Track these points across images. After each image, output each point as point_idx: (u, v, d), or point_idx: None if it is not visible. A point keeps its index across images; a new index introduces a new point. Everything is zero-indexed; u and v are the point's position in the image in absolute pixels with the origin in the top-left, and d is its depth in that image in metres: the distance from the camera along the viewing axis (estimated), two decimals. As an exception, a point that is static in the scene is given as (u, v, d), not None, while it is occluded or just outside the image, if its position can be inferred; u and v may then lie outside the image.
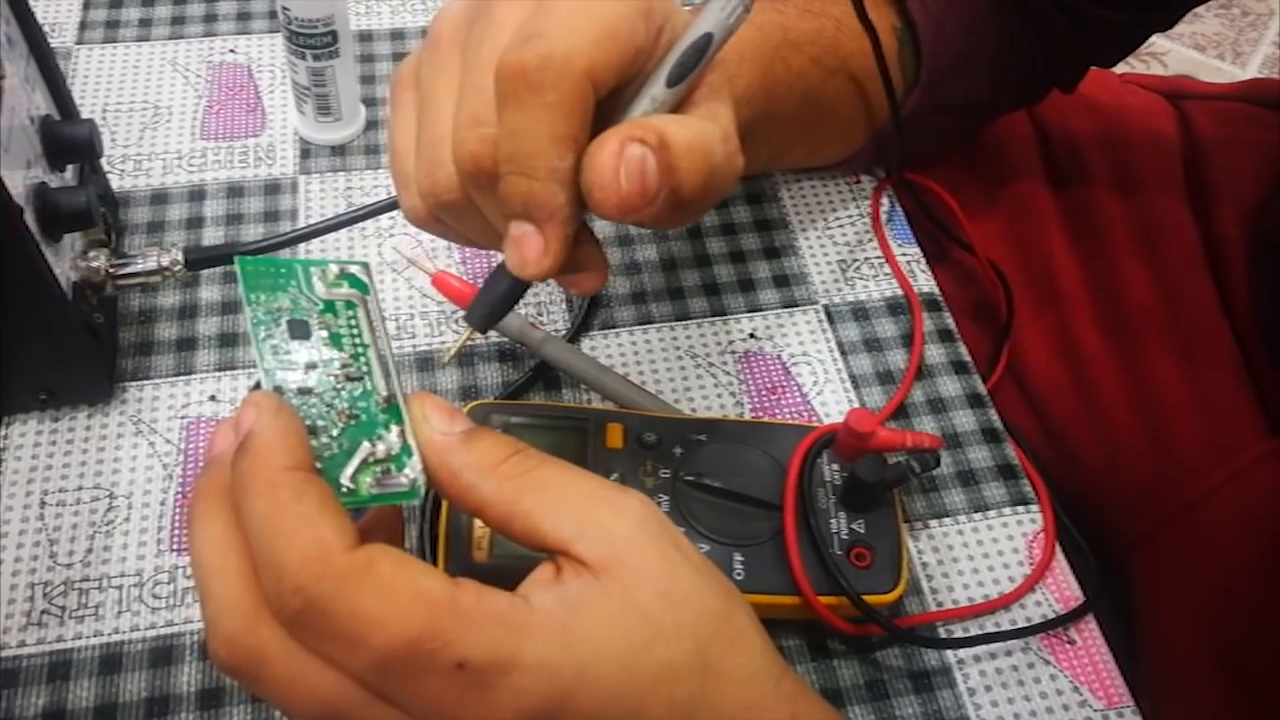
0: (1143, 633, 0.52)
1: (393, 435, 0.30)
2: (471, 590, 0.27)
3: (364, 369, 0.31)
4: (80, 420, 0.46)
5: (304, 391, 0.30)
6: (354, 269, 0.33)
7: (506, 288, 0.33)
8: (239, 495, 0.27)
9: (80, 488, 0.44)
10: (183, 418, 0.46)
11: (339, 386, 0.30)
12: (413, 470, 0.30)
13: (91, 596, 0.41)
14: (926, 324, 0.52)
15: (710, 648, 0.29)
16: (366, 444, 0.30)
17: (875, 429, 0.42)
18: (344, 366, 0.31)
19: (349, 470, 0.29)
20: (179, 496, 0.44)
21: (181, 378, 0.47)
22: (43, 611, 0.40)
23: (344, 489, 0.29)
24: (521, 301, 0.35)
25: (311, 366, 0.30)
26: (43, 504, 0.43)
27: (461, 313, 0.50)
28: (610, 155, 0.29)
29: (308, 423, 0.29)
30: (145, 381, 0.47)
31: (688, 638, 0.28)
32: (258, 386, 0.30)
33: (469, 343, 0.49)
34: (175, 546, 0.42)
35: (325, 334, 0.31)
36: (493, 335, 0.50)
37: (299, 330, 0.31)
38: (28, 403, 0.45)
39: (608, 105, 0.30)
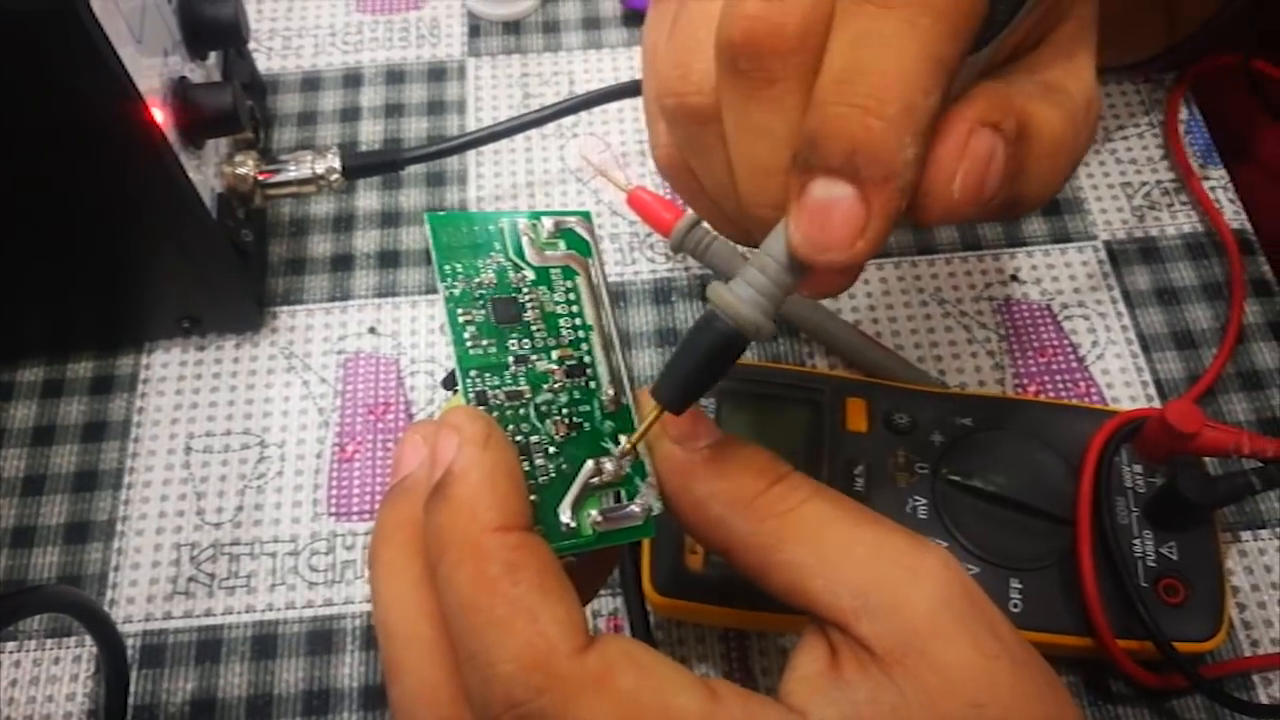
0: None
1: (620, 449, 0.23)
2: (736, 709, 0.20)
3: (586, 360, 0.24)
4: (227, 351, 0.40)
5: (513, 396, 0.22)
6: (572, 223, 0.25)
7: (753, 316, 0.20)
8: (435, 556, 0.20)
9: (229, 432, 0.38)
10: (339, 352, 0.40)
11: (556, 386, 0.23)
12: (646, 496, 0.23)
13: (242, 564, 0.36)
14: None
15: None
16: (590, 463, 0.22)
17: (1201, 429, 0.32)
18: (562, 359, 0.23)
19: (569, 500, 0.22)
20: (335, 449, 0.38)
21: (337, 304, 0.41)
22: (189, 579, 0.36)
23: (564, 528, 0.22)
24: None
25: (521, 360, 0.23)
26: (188, 449, 0.38)
27: (662, 240, 0.42)
28: (953, 151, 0.20)
29: (518, 439, 0.22)
30: (298, 307, 0.41)
31: None
32: (450, 380, 0.23)
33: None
34: (332, 510, 0.37)
35: (539, 314, 0.23)
36: (694, 265, 0.42)
37: (506, 311, 0.23)
38: (170, 329, 0.39)
39: None
